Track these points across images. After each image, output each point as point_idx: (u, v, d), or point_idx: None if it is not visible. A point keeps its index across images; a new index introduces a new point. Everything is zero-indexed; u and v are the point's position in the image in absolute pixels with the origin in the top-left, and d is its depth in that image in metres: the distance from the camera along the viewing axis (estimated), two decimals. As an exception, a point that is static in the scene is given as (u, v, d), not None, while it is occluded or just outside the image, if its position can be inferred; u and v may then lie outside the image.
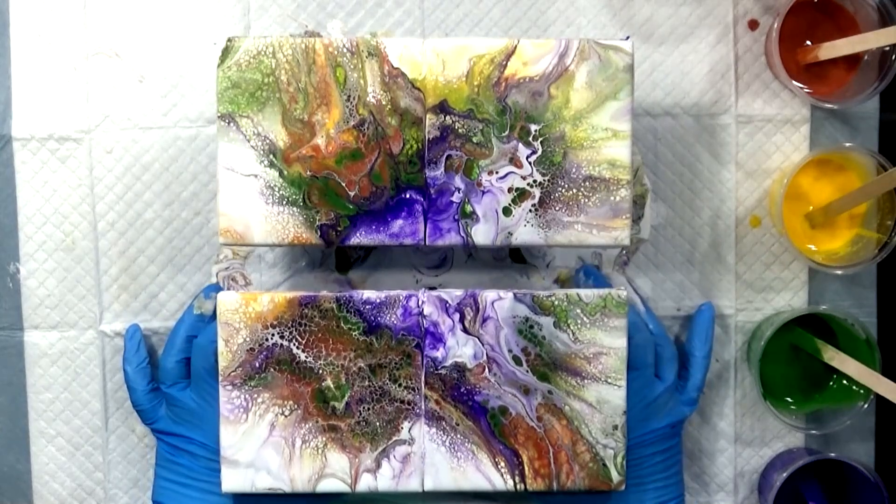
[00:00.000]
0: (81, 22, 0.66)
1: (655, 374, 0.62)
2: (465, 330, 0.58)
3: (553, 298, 0.58)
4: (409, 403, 0.58)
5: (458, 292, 0.58)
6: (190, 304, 0.64)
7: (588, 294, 0.58)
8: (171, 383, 0.62)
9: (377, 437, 0.58)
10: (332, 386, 0.58)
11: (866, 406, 0.64)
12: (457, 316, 0.58)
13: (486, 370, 0.58)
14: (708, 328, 0.64)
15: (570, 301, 0.58)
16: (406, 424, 0.58)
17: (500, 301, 0.58)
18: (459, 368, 0.58)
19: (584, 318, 0.58)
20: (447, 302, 0.58)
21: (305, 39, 0.57)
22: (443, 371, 0.58)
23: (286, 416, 0.58)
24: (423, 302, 0.58)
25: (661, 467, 0.62)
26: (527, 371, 0.58)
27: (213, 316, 0.63)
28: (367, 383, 0.58)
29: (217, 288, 0.65)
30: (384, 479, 0.58)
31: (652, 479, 0.61)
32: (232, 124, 0.57)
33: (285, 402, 0.58)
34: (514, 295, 0.58)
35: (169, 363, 0.62)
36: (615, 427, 0.58)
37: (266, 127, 0.57)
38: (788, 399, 0.67)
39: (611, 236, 0.58)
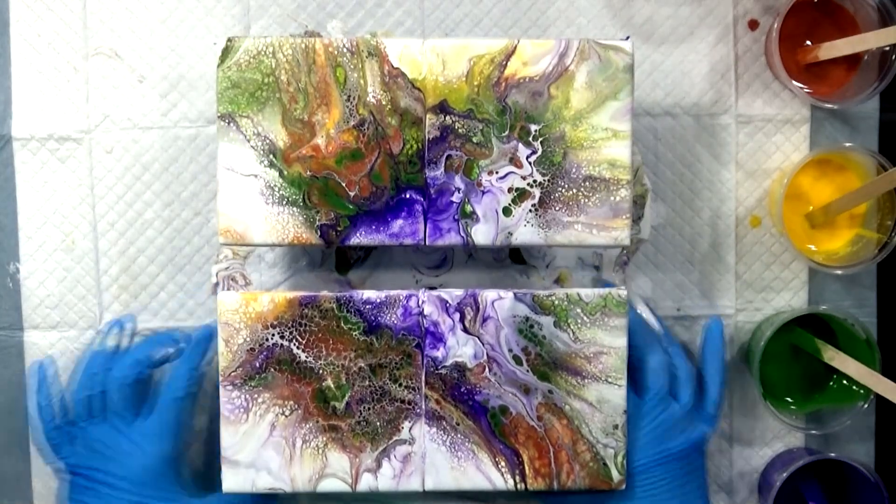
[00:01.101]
0: (81, 22, 0.66)
1: (671, 394, 0.61)
2: (465, 330, 0.58)
3: (553, 298, 0.58)
4: (409, 403, 0.58)
5: (459, 292, 0.58)
6: (103, 338, 0.64)
7: (588, 293, 0.58)
8: (82, 419, 0.61)
9: (378, 436, 0.58)
10: (332, 386, 0.58)
11: (866, 406, 0.64)
12: (457, 316, 0.58)
13: (487, 370, 0.58)
14: (718, 344, 0.63)
15: (570, 300, 0.58)
16: (406, 424, 0.58)
17: (501, 301, 0.58)
18: (460, 368, 0.58)
19: (585, 318, 0.58)
20: (447, 302, 0.58)
21: (305, 39, 0.57)
22: (443, 371, 0.58)
23: (286, 416, 0.58)
24: (423, 302, 0.58)
25: (683, 490, 0.60)
26: (527, 370, 0.58)
27: (118, 348, 0.63)
28: (367, 383, 0.58)
29: (119, 323, 0.65)
30: (385, 479, 0.58)
31: (674, 500, 0.60)
32: (232, 124, 0.57)
33: (286, 402, 0.58)
34: (515, 294, 0.58)
35: (78, 397, 0.61)
36: (615, 426, 0.58)
37: (266, 127, 0.57)
38: (788, 399, 0.67)
39: (611, 236, 0.58)
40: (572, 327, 0.58)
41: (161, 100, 0.67)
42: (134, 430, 0.60)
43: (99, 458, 0.60)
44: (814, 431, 0.66)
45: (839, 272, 0.64)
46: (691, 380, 0.62)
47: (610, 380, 0.58)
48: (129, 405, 0.61)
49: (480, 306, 0.58)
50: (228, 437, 0.58)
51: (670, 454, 0.60)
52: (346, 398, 0.58)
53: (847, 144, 0.67)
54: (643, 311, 0.64)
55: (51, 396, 0.63)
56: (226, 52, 0.57)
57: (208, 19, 0.67)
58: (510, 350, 0.58)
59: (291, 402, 0.58)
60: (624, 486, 0.59)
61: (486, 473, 0.58)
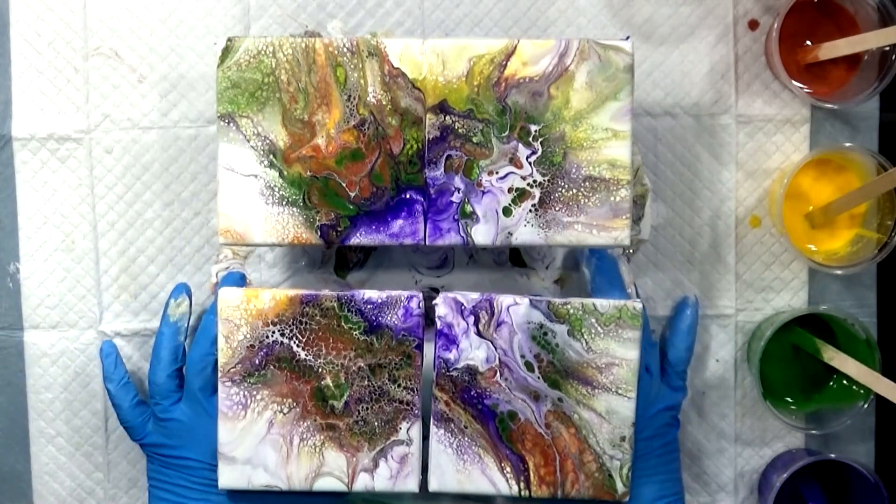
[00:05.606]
0: (81, 22, 0.66)
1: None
2: (478, 333, 0.58)
3: (568, 306, 0.58)
4: (407, 404, 0.58)
5: (475, 295, 0.58)
6: (164, 314, 0.62)
7: (603, 304, 0.58)
8: (162, 398, 0.60)
9: (375, 436, 0.58)
10: (331, 385, 0.58)
11: (866, 406, 0.64)
12: (471, 319, 0.58)
13: (498, 374, 0.58)
14: (686, 318, 0.64)
15: (585, 310, 0.58)
16: (404, 425, 0.58)
17: (516, 306, 0.58)
18: (471, 371, 0.58)
19: (599, 328, 0.58)
20: (462, 304, 0.58)
21: (305, 39, 0.57)
22: (454, 373, 0.58)
23: (285, 414, 0.58)
24: (430, 303, 0.58)
25: (661, 461, 0.61)
26: (538, 377, 0.58)
27: (199, 323, 0.62)
28: (366, 383, 0.58)
29: (185, 287, 0.63)
30: (381, 479, 0.58)
31: (652, 471, 0.61)
32: (232, 124, 0.57)
33: (284, 400, 0.58)
34: (530, 301, 0.58)
35: (159, 378, 0.61)
36: (623, 438, 0.58)
37: (266, 127, 0.57)
38: (788, 399, 0.67)
39: (611, 236, 0.57)
40: (586, 337, 0.58)
41: (161, 100, 0.67)
42: (208, 412, 0.59)
43: (175, 439, 0.60)
44: (814, 431, 0.66)
45: (839, 272, 0.64)
46: (655, 349, 0.63)
47: (620, 391, 0.58)
48: (206, 388, 0.60)
49: (495, 311, 0.58)
50: (226, 434, 0.58)
51: (647, 420, 0.60)
52: (345, 397, 0.58)
53: (847, 144, 0.67)
54: (625, 272, 0.64)
55: (124, 376, 0.62)
56: (226, 52, 0.57)
57: (208, 19, 0.67)
58: (522, 356, 0.58)
59: (290, 400, 0.58)
60: (628, 499, 0.59)
61: (491, 478, 0.58)
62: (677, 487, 0.62)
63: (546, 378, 0.58)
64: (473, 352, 0.58)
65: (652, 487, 0.61)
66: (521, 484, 0.58)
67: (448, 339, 0.58)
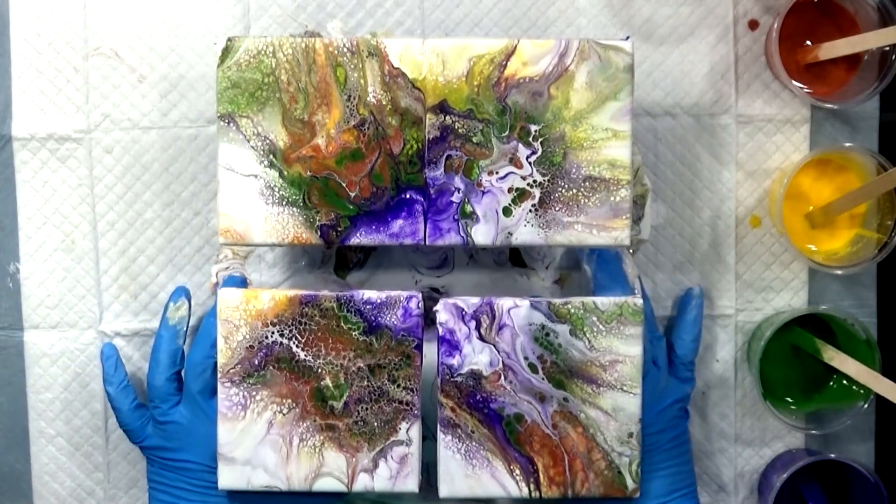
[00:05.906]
0: (81, 22, 0.66)
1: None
2: (481, 338, 0.58)
3: (569, 306, 0.58)
4: (407, 404, 0.58)
5: (475, 300, 0.58)
6: (163, 317, 0.62)
7: (604, 302, 0.58)
8: (160, 401, 0.61)
9: (375, 437, 0.58)
10: (330, 385, 0.58)
11: (866, 406, 0.64)
12: (473, 323, 0.58)
13: (502, 378, 0.58)
14: (691, 309, 0.65)
15: (586, 309, 0.58)
16: (404, 425, 0.58)
17: (517, 309, 0.58)
18: (475, 376, 0.58)
19: (600, 326, 0.58)
20: (463, 310, 0.58)
21: (305, 39, 0.57)
22: (458, 378, 0.58)
23: (284, 415, 0.58)
24: (429, 303, 0.58)
25: (671, 454, 0.61)
26: (542, 378, 0.58)
27: (199, 326, 0.62)
28: (365, 383, 0.58)
29: (184, 291, 0.63)
30: (381, 480, 0.58)
31: (663, 465, 0.61)
32: (232, 124, 0.57)
33: (284, 401, 0.58)
34: (531, 303, 0.58)
35: (158, 381, 0.61)
36: (630, 434, 0.58)
37: (266, 127, 0.57)
38: (788, 399, 0.67)
39: (611, 236, 0.57)
40: (588, 335, 0.58)
41: (161, 100, 0.67)
42: (207, 414, 0.60)
43: (175, 441, 0.60)
44: (814, 431, 0.66)
45: (839, 272, 0.64)
46: (662, 342, 0.63)
47: (625, 388, 0.58)
48: (206, 387, 0.60)
49: (496, 314, 0.58)
50: (225, 434, 0.58)
51: (657, 414, 0.61)
52: (345, 398, 0.58)
53: (847, 144, 0.67)
54: (628, 267, 0.63)
55: (124, 379, 0.62)
56: (226, 52, 0.57)
57: (208, 19, 0.67)
58: (526, 358, 0.58)
59: (289, 401, 0.58)
60: (638, 495, 0.59)
61: (501, 481, 0.58)
62: (690, 480, 0.62)
63: (550, 379, 0.58)
64: (476, 356, 0.58)
65: (664, 481, 0.61)
66: (532, 485, 0.58)
67: (450, 344, 0.58)
